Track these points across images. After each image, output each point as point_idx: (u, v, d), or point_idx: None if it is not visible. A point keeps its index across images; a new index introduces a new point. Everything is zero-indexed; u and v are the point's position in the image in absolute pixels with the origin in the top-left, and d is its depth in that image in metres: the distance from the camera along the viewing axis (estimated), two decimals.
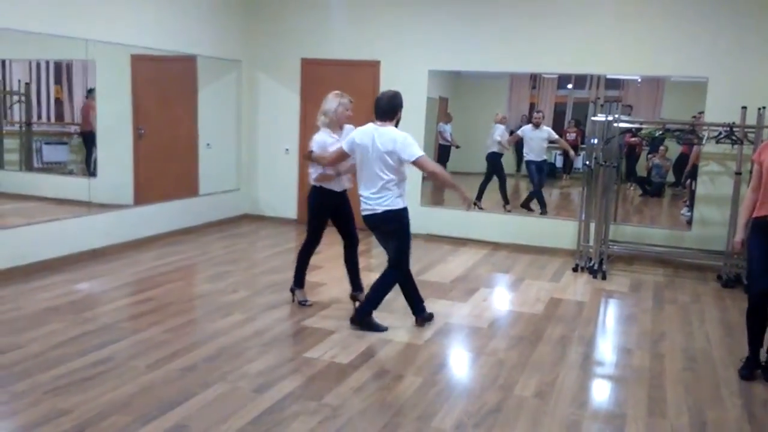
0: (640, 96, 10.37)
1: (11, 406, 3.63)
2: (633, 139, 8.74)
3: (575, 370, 4.53)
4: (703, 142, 7.20)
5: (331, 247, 7.65)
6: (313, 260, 7.16)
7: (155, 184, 8.12)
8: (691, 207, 8.01)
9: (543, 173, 9.61)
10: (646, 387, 4.29)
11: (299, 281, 5.67)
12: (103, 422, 3.47)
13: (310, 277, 6.50)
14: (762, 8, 7.09)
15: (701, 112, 7.53)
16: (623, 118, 7.36)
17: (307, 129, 8.95)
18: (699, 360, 4.82)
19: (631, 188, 10.88)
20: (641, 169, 10.84)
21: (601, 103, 7.37)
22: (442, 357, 4.72)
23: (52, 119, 8.00)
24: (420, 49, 8.39)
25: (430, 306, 5.57)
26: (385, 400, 3.91)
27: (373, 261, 7.12)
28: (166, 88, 8.31)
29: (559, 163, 11.97)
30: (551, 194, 10.08)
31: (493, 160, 9.65)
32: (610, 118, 7.16)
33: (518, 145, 9.97)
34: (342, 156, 5.03)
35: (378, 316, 5.24)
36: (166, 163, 8.31)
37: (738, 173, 7.06)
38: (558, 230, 8.14)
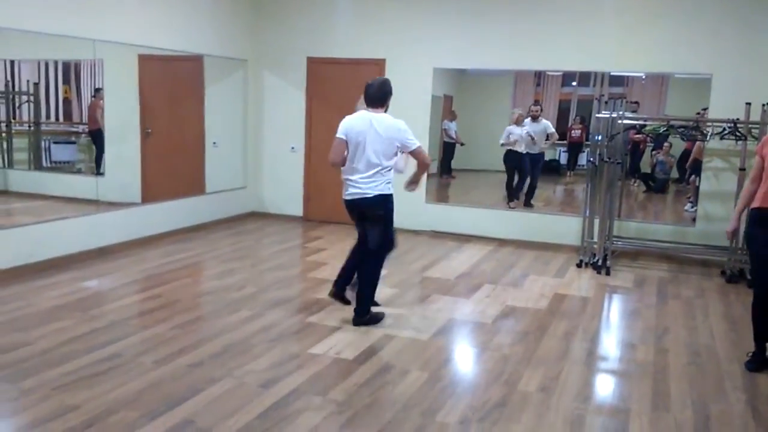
0: (645, 93, 10.39)
1: (20, 402, 3.67)
2: (637, 135, 8.75)
3: (579, 364, 4.56)
4: (707, 138, 7.20)
5: (335, 244, 7.72)
6: (319, 257, 7.26)
7: (162, 183, 8.17)
8: (695, 203, 8.02)
9: (539, 167, 9.58)
10: (650, 381, 4.31)
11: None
12: (111, 418, 3.51)
13: (315, 273, 6.56)
14: (765, 6, 7.09)
15: (705, 109, 7.53)
16: (627, 114, 7.37)
17: (313, 127, 9.03)
18: (703, 355, 4.84)
19: (635, 184, 10.90)
20: (645, 166, 10.87)
21: (605, 100, 7.38)
22: (446, 352, 4.76)
23: (61, 119, 8.07)
24: (425, 47, 8.41)
25: (435, 302, 5.62)
26: (390, 396, 3.94)
27: None
28: (173, 87, 8.37)
29: (563, 159, 12.00)
30: (555, 191, 10.10)
31: (515, 158, 9.52)
32: (615, 114, 7.18)
33: None
34: (342, 147, 4.93)
35: (383, 311, 5.34)
36: (173, 162, 8.36)
37: (742, 169, 7.07)
38: (562, 226, 8.16)
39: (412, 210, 7.91)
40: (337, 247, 7.50)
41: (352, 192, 4.93)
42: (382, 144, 4.83)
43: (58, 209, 7.06)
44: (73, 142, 8.09)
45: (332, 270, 6.49)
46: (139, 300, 5.69)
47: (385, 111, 4.98)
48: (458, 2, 8.21)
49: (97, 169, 7.67)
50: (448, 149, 11.12)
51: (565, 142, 11.84)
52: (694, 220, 7.77)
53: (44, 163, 7.88)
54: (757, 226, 4.41)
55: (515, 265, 7.30)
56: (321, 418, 3.61)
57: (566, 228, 8.09)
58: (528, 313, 5.67)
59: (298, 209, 9.35)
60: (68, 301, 5.45)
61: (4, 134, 7.47)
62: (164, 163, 8.21)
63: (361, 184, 4.89)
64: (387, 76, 8.40)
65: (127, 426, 3.44)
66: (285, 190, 9.38)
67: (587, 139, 9.86)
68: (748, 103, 6.97)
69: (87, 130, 7.92)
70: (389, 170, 4.94)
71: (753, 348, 4.56)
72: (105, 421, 3.47)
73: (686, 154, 9.33)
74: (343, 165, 4.99)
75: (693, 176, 8.39)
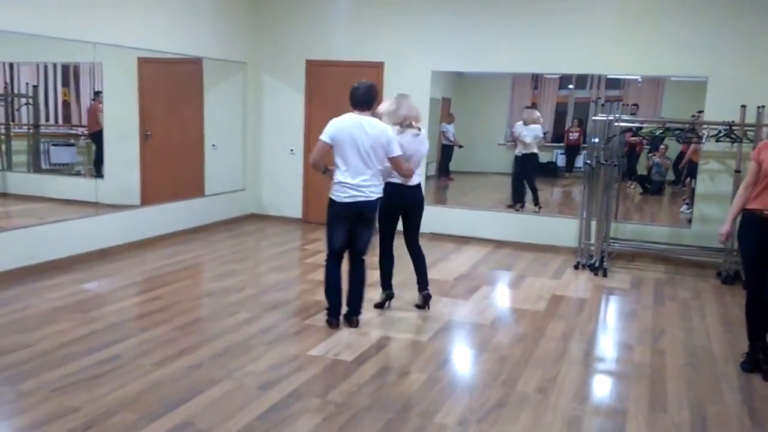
0: (641, 95, 10.44)
1: (19, 404, 3.69)
2: (633, 138, 8.79)
3: (577, 366, 4.59)
4: (703, 140, 7.24)
5: None
6: (318, 259, 7.27)
7: (162, 185, 8.19)
8: (690, 205, 8.05)
9: (518, 168, 9.56)
10: (647, 382, 4.33)
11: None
12: (110, 420, 3.52)
13: (314, 275, 6.57)
14: (761, 8, 7.13)
15: (701, 111, 7.57)
16: (624, 117, 7.41)
17: (312, 130, 9.04)
18: (699, 356, 4.87)
19: (632, 186, 10.95)
20: (642, 168, 10.91)
21: (602, 103, 7.41)
22: (445, 354, 4.78)
23: (60, 121, 8.08)
24: (423, 50, 8.44)
25: (434, 303, 5.64)
26: (389, 397, 3.96)
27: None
28: (172, 90, 8.39)
29: (560, 161, 12.04)
30: (552, 193, 10.13)
31: (530, 161, 9.53)
32: (611, 117, 7.21)
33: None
34: (325, 149, 4.90)
35: (383, 314, 5.44)
36: (173, 164, 8.38)
37: (737, 171, 7.11)
38: (559, 228, 8.19)
39: None
40: None
41: (353, 195, 4.85)
42: (373, 146, 4.84)
43: (58, 211, 7.08)
44: (72, 145, 8.10)
45: None
46: (139, 302, 5.71)
47: (371, 115, 5.00)
48: (456, 5, 8.25)
49: (97, 171, 7.69)
50: (446, 152, 11.15)
51: (562, 144, 11.89)
52: (689, 221, 7.81)
53: (43, 166, 7.90)
54: (749, 227, 4.44)
55: (513, 267, 7.32)
56: (320, 419, 3.63)
57: (564, 230, 8.12)
58: (526, 314, 5.69)
59: (297, 211, 9.37)
60: (68, 302, 5.47)
61: (3, 137, 7.49)
62: (164, 166, 8.23)
63: (364, 188, 4.86)
64: (386, 79, 8.50)
65: (127, 428, 3.45)
66: (284, 193, 9.40)
67: (584, 142, 9.89)
68: (744, 106, 7.01)
69: (87, 132, 7.93)
70: (381, 173, 4.98)
71: (747, 348, 4.58)
72: (104, 423, 3.49)
73: (682, 156, 9.39)
74: (323, 168, 4.98)
75: (689, 178, 8.43)
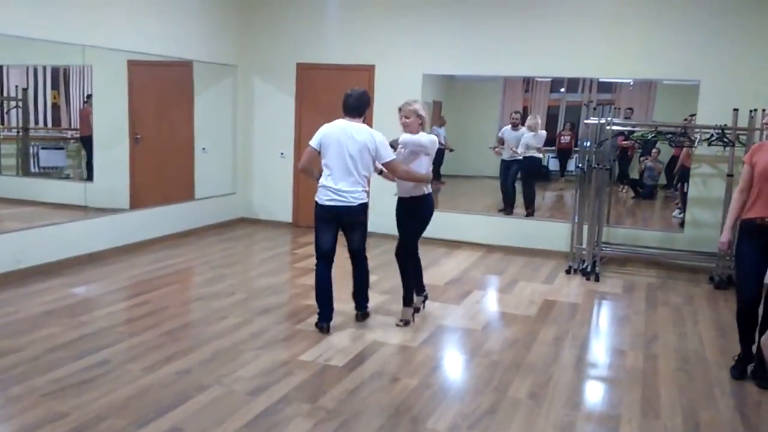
0: (633, 99, 10.44)
1: (7, 409, 3.65)
2: (625, 142, 8.79)
3: (569, 371, 4.57)
4: (695, 144, 7.25)
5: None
6: (308, 264, 7.23)
7: (151, 188, 8.14)
8: (683, 209, 8.06)
9: (510, 173, 9.53)
10: (639, 388, 4.32)
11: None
12: (99, 425, 3.49)
13: (305, 280, 6.54)
14: (752, 12, 7.14)
15: (693, 115, 7.58)
16: (616, 120, 7.41)
17: (302, 133, 9.01)
18: (692, 361, 4.86)
19: (624, 190, 10.96)
20: (634, 172, 10.92)
21: (593, 107, 7.42)
22: (436, 359, 4.76)
23: (49, 124, 8.02)
24: (414, 53, 8.42)
25: (426, 308, 5.62)
26: (379, 403, 3.94)
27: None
28: (162, 93, 8.35)
29: (552, 165, 12.04)
30: (544, 196, 10.12)
31: (534, 166, 9.51)
32: (603, 121, 7.21)
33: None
34: (312, 155, 4.99)
35: (373, 318, 5.41)
36: (163, 168, 8.33)
37: (730, 175, 7.12)
38: (551, 232, 8.19)
39: None
40: None
41: (335, 199, 4.91)
42: (359, 152, 4.87)
43: (47, 215, 7.03)
44: (62, 148, 8.05)
45: None
46: (128, 306, 5.67)
47: (363, 121, 5.03)
48: (447, 9, 8.24)
49: (89, 175, 7.64)
50: (437, 155, 11.09)
51: (554, 148, 11.88)
52: (681, 225, 7.81)
53: (32, 169, 7.85)
54: (747, 238, 4.38)
55: (505, 272, 7.31)
56: (310, 425, 3.60)
57: (555, 234, 8.12)
58: (517, 319, 5.67)
59: (287, 215, 9.34)
60: (57, 307, 5.42)
61: None
62: (153, 169, 8.18)
63: (346, 194, 4.91)
64: (377, 82, 8.48)
65: None
66: (274, 196, 9.36)
67: (576, 146, 9.88)
68: (736, 110, 7.02)
69: (79, 135, 7.88)
70: (367, 177, 4.98)
71: (739, 351, 4.55)
72: (93, 429, 3.45)
73: (674, 160, 9.38)
74: (311, 173, 5.09)
75: (682, 183, 8.44)
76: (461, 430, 3.63)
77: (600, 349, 5.14)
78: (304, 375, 4.28)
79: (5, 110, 7.52)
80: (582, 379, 4.52)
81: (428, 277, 6.73)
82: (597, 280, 7.03)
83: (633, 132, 7.92)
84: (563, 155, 11.98)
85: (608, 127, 7.21)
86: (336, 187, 4.91)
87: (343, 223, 5.06)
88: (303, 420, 3.65)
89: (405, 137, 5.08)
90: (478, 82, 10.82)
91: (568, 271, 7.32)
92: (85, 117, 7.68)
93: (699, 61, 7.35)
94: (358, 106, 5.00)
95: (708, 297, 6.64)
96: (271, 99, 9.21)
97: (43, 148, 7.86)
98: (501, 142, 9.62)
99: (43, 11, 6.24)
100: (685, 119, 7.88)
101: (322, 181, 4.97)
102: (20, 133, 7.71)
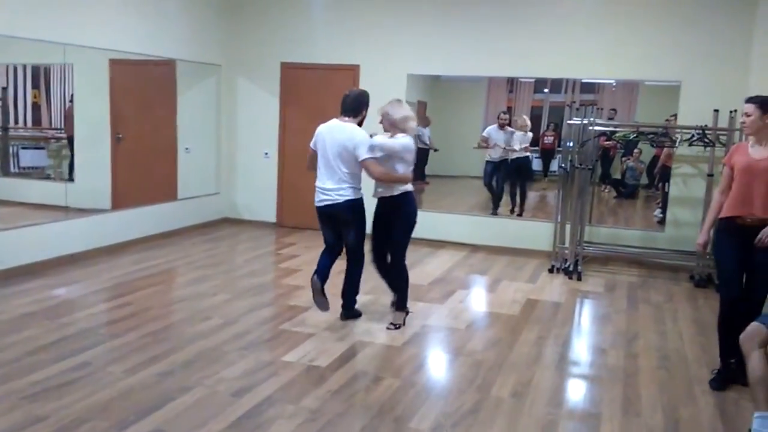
0: (615, 99, 10.52)
1: None
2: (607, 142, 8.85)
3: (551, 370, 4.59)
4: (676, 144, 7.31)
5: (309, 250, 7.70)
6: (292, 264, 7.23)
7: (133, 189, 8.09)
8: (663, 208, 8.12)
9: (500, 174, 9.58)
10: (620, 386, 4.35)
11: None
12: (80, 428, 3.46)
13: (289, 280, 6.53)
14: (733, 15, 7.21)
15: (674, 115, 7.64)
16: (598, 121, 7.45)
17: (287, 133, 9.01)
18: (672, 359, 4.90)
19: (606, 190, 11.03)
20: (616, 172, 11.01)
21: (576, 107, 7.46)
22: (420, 359, 4.76)
23: (30, 124, 7.94)
24: (399, 53, 8.43)
25: (409, 308, 5.62)
26: (363, 403, 3.94)
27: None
28: (144, 92, 8.29)
29: (535, 165, 12.10)
30: (528, 196, 10.15)
31: (528, 165, 9.54)
32: (586, 121, 7.26)
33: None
34: (311, 155, 5.15)
35: (358, 318, 5.42)
36: (145, 168, 8.28)
37: (710, 175, 7.20)
38: (534, 232, 8.23)
39: None
40: (310, 254, 7.47)
41: (322, 199, 5.05)
42: (339, 151, 4.91)
43: (27, 216, 6.96)
44: (43, 148, 7.98)
45: (306, 276, 6.45)
46: (110, 308, 5.63)
47: (361, 122, 5.04)
48: (432, 9, 8.25)
49: (71, 174, 7.57)
50: (421, 155, 11.12)
51: (537, 148, 11.94)
52: (659, 223, 7.87)
53: (12, 169, 7.77)
54: (724, 236, 4.38)
55: (488, 271, 7.34)
56: (294, 426, 3.60)
57: (538, 234, 8.16)
58: (501, 318, 5.70)
59: (271, 215, 9.31)
60: (37, 309, 5.37)
61: None
62: (135, 169, 8.13)
63: (331, 192, 4.98)
64: (361, 82, 8.46)
65: None
66: (258, 196, 9.33)
67: (559, 146, 9.94)
68: (716, 110, 7.09)
69: (65, 135, 7.81)
70: (353, 175, 4.98)
71: (719, 365, 4.46)
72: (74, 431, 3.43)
73: (656, 160, 9.46)
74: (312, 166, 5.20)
75: (663, 183, 8.50)
76: (444, 430, 3.63)
77: (582, 348, 5.17)
78: (288, 376, 4.27)
79: None
80: (564, 377, 4.54)
81: (413, 277, 6.71)
82: (579, 279, 7.07)
83: (615, 132, 7.97)
84: (546, 155, 12.05)
85: (591, 128, 7.26)
86: (323, 187, 5.03)
87: (335, 222, 5.13)
88: (286, 421, 3.64)
89: (376, 139, 4.98)
90: (462, 83, 10.87)
91: (551, 270, 7.36)
92: (71, 116, 7.61)
93: (680, 62, 7.42)
94: (354, 107, 5.03)
95: (688, 295, 6.70)
96: (255, 98, 9.18)
97: (23, 148, 7.79)
98: (485, 141, 9.62)
99: (23, 9, 6.18)
100: (667, 120, 7.94)
101: (316, 181, 5.09)
102: (0, 133, 7.63)
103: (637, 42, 7.55)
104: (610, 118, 9.39)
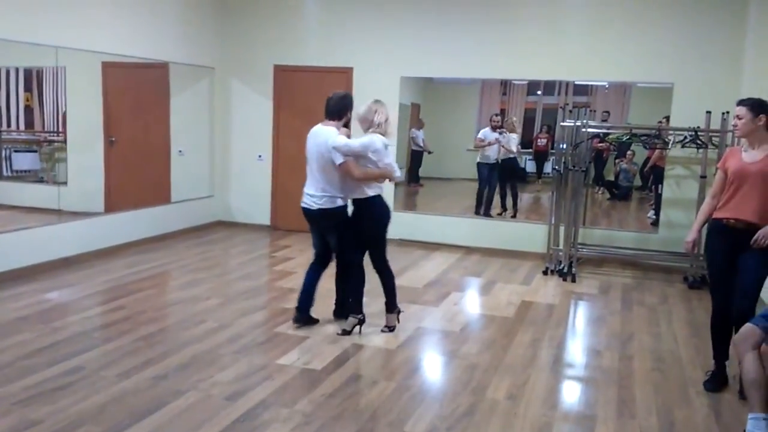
0: (608, 101, 10.52)
1: None
2: (600, 144, 8.86)
3: (546, 372, 4.60)
4: (669, 146, 7.33)
5: (302, 253, 7.68)
6: (286, 266, 7.22)
7: (127, 192, 8.07)
8: (656, 210, 8.14)
9: (495, 175, 9.58)
10: (615, 388, 4.36)
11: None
12: None
13: (283, 283, 6.52)
14: (725, 17, 7.24)
15: (667, 117, 7.66)
16: (591, 123, 7.47)
17: (280, 136, 8.99)
18: (667, 360, 4.91)
19: (600, 192, 11.04)
20: (609, 174, 11.01)
21: (569, 109, 7.47)
22: (414, 361, 4.76)
23: (22, 127, 7.91)
24: (392, 55, 8.44)
25: (403, 310, 5.61)
26: (358, 406, 3.94)
27: None
28: (137, 95, 8.27)
29: (529, 167, 12.10)
30: (521, 198, 10.16)
31: (517, 166, 9.60)
32: (579, 123, 7.27)
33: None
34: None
35: (350, 320, 5.34)
36: (138, 171, 8.26)
37: (703, 177, 7.21)
38: (528, 234, 8.24)
39: None
40: (304, 256, 7.45)
41: (304, 201, 5.04)
42: (317, 157, 4.91)
43: (20, 219, 6.93)
44: (35, 151, 7.95)
45: (300, 279, 6.44)
46: (103, 312, 5.60)
47: (346, 124, 5.03)
48: (425, 11, 8.26)
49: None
50: (415, 157, 11.14)
51: (531, 150, 11.94)
52: (653, 224, 7.89)
53: (5, 173, 7.73)
54: (716, 237, 4.38)
55: (483, 273, 7.34)
56: (288, 430, 3.59)
57: (533, 236, 8.17)
58: (495, 320, 5.70)
59: (265, 218, 9.30)
60: (30, 313, 5.35)
61: None
62: (129, 172, 8.11)
63: (308, 196, 5.00)
64: (354, 84, 8.47)
65: None
66: (252, 199, 9.32)
67: (553, 148, 9.95)
68: (709, 112, 7.11)
69: (63, 139, 7.78)
70: (331, 181, 4.89)
71: (713, 367, 4.47)
72: None
73: (649, 162, 9.47)
74: None
75: (656, 184, 8.52)
76: None
77: (576, 350, 5.17)
78: (283, 379, 4.26)
79: None
80: (559, 379, 4.54)
81: (407, 279, 6.77)
82: (573, 280, 7.08)
83: (608, 134, 7.99)
84: (540, 157, 12.03)
85: (584, 130, 7.28)
86: (307, 192, 5.03)
87: (317, 225, 5.14)
88: (281, 425, 3.63)
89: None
90: (455, 85, 10.85)
91: (545, 272, 7.36)
92: (66, 120, 7.59)
93: (673, 64, 7.45)
94: (336, 110, 5.00)
95: (682, 297, 6.72)
96: (248, 101, 9.17)
97: (15, 151, 7.76)
98: (482, 142, 9.63)
99: (15, 11, 6.15)
100: (659, 122, 7.96)
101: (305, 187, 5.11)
102: None
103: (630, 44, 7.58)
104: (604, 120, 9.39)
